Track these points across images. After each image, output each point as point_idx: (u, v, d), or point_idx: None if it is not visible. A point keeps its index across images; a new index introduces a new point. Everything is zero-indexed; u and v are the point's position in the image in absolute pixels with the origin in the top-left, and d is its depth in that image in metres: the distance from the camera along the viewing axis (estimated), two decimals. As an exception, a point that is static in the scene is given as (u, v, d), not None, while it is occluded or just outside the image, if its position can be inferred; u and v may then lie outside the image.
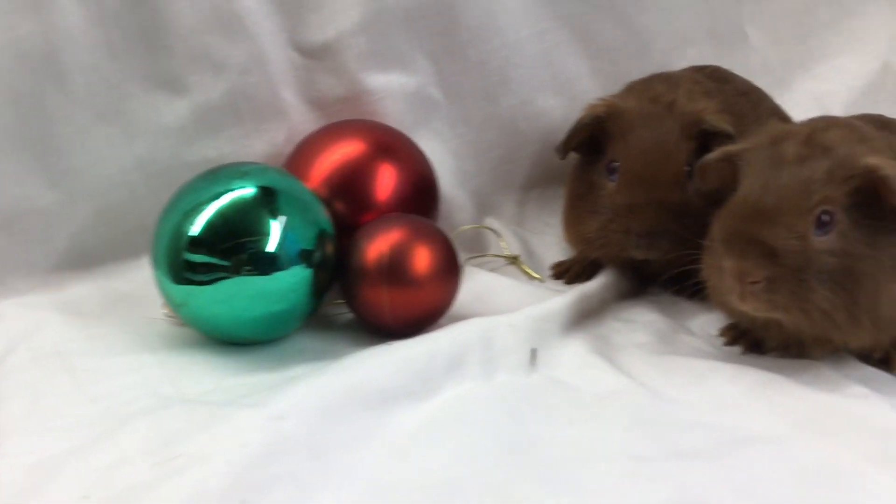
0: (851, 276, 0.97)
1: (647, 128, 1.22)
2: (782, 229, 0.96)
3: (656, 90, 1.27)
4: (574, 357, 1.11)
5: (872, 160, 0.98)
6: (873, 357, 1.09)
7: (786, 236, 0.96)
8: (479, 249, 1.45)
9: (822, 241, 0.97)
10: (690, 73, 1.40)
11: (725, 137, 1.20)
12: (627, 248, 1.21)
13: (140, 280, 1.29)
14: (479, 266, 1.39)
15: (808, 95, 1.71)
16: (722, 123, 1.22)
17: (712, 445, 0.91)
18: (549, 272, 1.40)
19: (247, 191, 1.10)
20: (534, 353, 1.10)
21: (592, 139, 1.28)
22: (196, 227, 1.08)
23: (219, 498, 0.81)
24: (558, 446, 0.92)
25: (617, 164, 1.23)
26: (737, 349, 1.14)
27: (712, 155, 1.09)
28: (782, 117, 1.44)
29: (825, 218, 0.97)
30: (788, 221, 0.96)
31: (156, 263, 1.11)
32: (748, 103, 1.38)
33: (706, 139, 1.22)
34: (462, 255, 1.39)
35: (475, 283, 1.31)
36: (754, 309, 0.99)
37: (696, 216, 1.16)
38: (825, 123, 1.05)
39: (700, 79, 1.35)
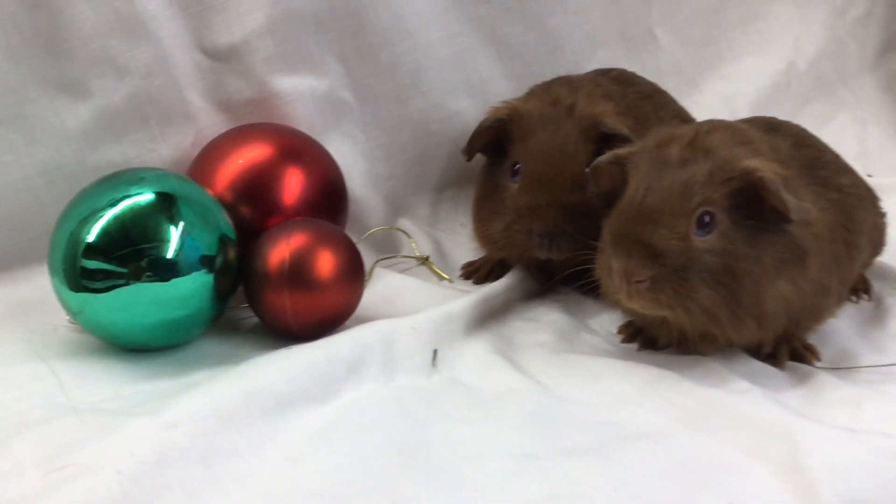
0: (733, 274, 1.00)
1: (548, 130, 1.24)
2: (665, 230, 0.99)
3: (558, 93, 1.29)
4: (475, 358, 1.13)
5: (751, 162, 1.01)
6: (762, 352, 1.13)
7: (668, 237, 0.99)
8: (391, 251, 1.47)
9: (703, 241, 1.00)
10: (594, 76, 1.43)
11: (624, 140, 1.23)
12: (530, 248, 1.24)
13: (45, 286, 1.26)
14: (390, 267, 1.41)
15: (716, 95, 1.77)
16: (619, 126, 1.25)
17: (600, 442, 0.94)
18: (459, 272, 1.42)
19: (144, 197, 1.09)
20: (435, 354, 1.12)
21: (497, 141, 1.30)
22: (92, 234, 1.07)
23: (106, 507, 0.82)
24: (451, 447, 0.94)
25: (519, 165, 1.25)
26: (633, 346, 1.17)
27: (603, 158, 1.11)
28: (686, 120, 1.48)
29: (706, 218, 1.00)
30: (670, 222, 0.99)
31: (52, 271, 1.11)
32: (651, 106, 1.41)
33: (605, 142, 1.24)
34: (373, 257, 1.41)
35: (384, 285, 1.33)
36: (641, 307, 1.02)
37: (596, 217, 1.18)
38: (709, 126, 1.08)
39: (603, 82, 1.38)
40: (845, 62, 1.89)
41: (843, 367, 1.13)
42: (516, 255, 1.28)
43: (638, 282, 0.99)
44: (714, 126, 1.08)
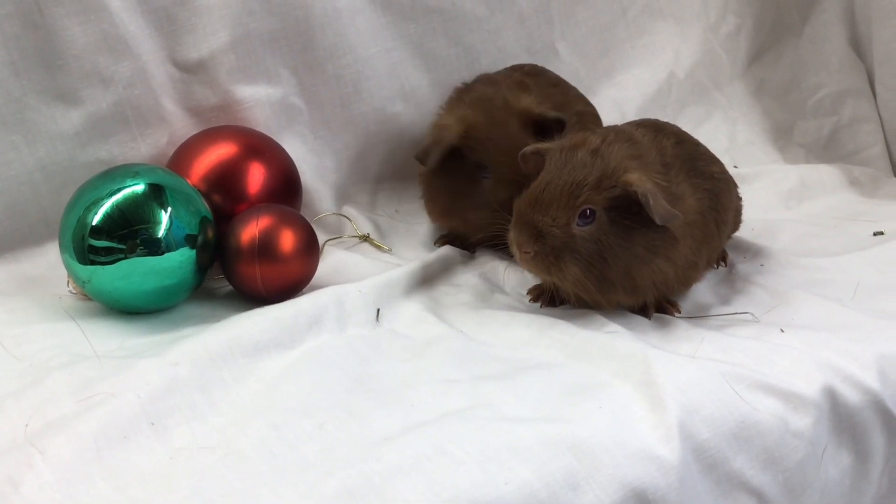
0: (602, 258, 1.26)
1: (498, 134, 1.49)
2: (549, 218, 1.26)
3: (485, 93, 1.56)
4: (410, 314, 1.39)
5: (632, 177, 1.26)
6: (636, 307, 1.42)
7: (550, 224, 1.26)
8: (337, 232, 1.72)
9: (582, 230, 1.26)
10: (508, 71, 1.71)
11: (558, 121, 1.51)
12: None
13: (45, 264, 1.51)
14: (337, 245, 1.66)
15: (609, 100, 2.03)
16: (550, 111, 1.52)
17: (506, 371, 1.21)
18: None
19: (139, 187, 1.33)
20: (378, 312, 1.38)
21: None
22: (96, 218, 1.30)
23: (132, 420, 1.06)
24: (392, 376, 1.20)
25: (486, 166, 1.51)
26: (537, 305, 1.45)
27: (528, 149, 1.36)
28: (586, 102, 1.76)
29: (587, 213, 1.26)
30: (555, 213, 1.26)
31: (63, 248, 1.33)
32: (559, 92, 1.69)
33: (542, 126, 1.52)
34: (323, 237, 1.67)
35: (333, 259, 1.58)
36: (527, 270, 1.30)
37: None
38: (614, 137, 1.32)
39: (515, 75, 1.66)
40: (718, 71, 2.16)
41: (696, 316, 1.43)
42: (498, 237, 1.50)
43: (525, 252, 1.28)
44: (618, 136, 1.33)
